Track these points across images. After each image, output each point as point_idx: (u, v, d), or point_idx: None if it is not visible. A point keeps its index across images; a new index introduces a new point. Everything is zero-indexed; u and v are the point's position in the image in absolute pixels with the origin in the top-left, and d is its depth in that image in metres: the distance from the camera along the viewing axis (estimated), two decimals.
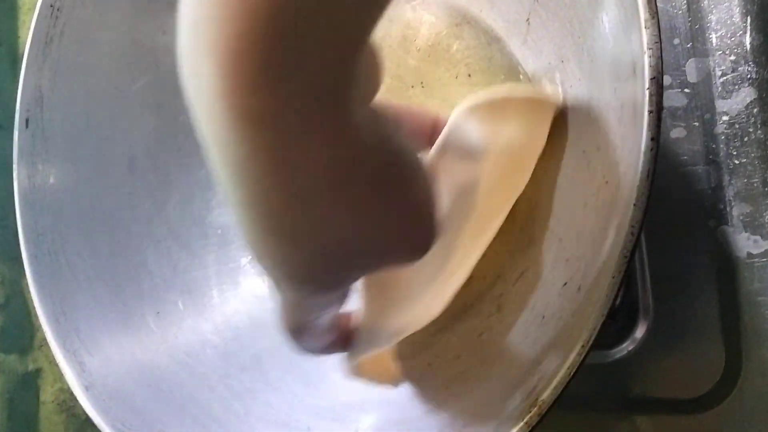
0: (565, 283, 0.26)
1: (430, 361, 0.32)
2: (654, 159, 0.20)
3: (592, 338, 0.20)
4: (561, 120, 0.30)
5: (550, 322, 0.26)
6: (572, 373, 0.21)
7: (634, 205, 0.20)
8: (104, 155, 0.37)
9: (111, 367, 0.34)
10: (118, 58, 0.37)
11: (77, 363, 0.33)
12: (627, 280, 0.33)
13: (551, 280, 0.28)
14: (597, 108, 0.27)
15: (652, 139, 0.20)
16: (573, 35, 0.28)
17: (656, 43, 0.20)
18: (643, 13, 0.20)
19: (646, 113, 0.20)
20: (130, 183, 0.38)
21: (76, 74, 0.36)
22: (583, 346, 0.21)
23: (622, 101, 0.24)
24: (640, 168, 0.20)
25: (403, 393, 0.31)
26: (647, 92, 0.20)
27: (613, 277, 0.21)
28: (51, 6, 0.34)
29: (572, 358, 0.21)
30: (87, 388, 0.32)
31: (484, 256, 0.31)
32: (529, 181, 0.31)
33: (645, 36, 0.20)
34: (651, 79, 0.20)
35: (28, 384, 0.50)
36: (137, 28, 0.37)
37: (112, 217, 0.37)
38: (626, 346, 0.33)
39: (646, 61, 0.20)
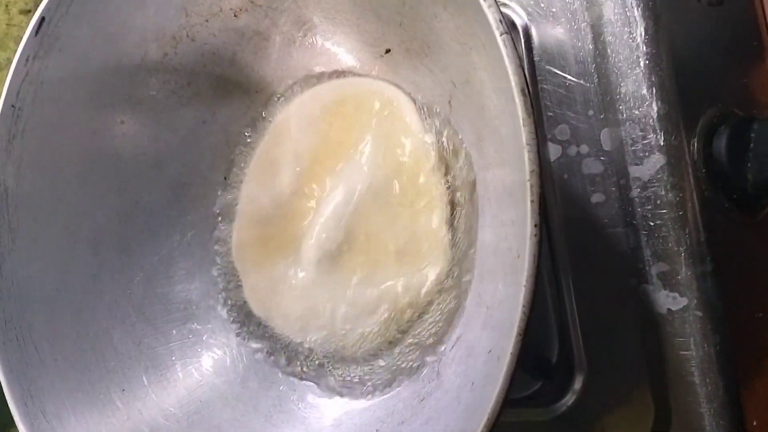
0: (490, 351, 0.28)
1: (378, 427, 0.33)
2: (538, 244, 0.22)
3: (494, 417, 0.22)
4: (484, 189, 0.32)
5: (477, 389, 0.28)
6: None
7: (524, 286, 0.22)
8: (69, 241, 0.39)
9: None
10: (79, 149, 0.39)
11: None
12: (562, 335, 0.35)
13: (479, 346, 0.29)
14: (511, 184, 0.30)
15: (535, 225, 0.22)
16: (485, 118, 0.30)
17: (533, 139, 0.22)
18: (520, 112, 0.23)
19: (528, 203, 0.22)
20: (95, 266, 0.40)
21: (39, 168, 0.38)
22: (488, 419, 0.22)
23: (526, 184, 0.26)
24: (527, 252, 0.22)
25: None
26: (528, 184, 0.22)
27: (511, 354, 0.22)
28: (12, 106, 0.37)
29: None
30: None
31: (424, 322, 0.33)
32: (460, 250, 0.33)
33: (524, 133, 0.22)
34: (531, 171, 0.22)
35: None
36: (96, 120, 0.40)
37: (78, 301, 0.38)
38: (567, 400, 0.34)
39: (526, 156, 0.22)
